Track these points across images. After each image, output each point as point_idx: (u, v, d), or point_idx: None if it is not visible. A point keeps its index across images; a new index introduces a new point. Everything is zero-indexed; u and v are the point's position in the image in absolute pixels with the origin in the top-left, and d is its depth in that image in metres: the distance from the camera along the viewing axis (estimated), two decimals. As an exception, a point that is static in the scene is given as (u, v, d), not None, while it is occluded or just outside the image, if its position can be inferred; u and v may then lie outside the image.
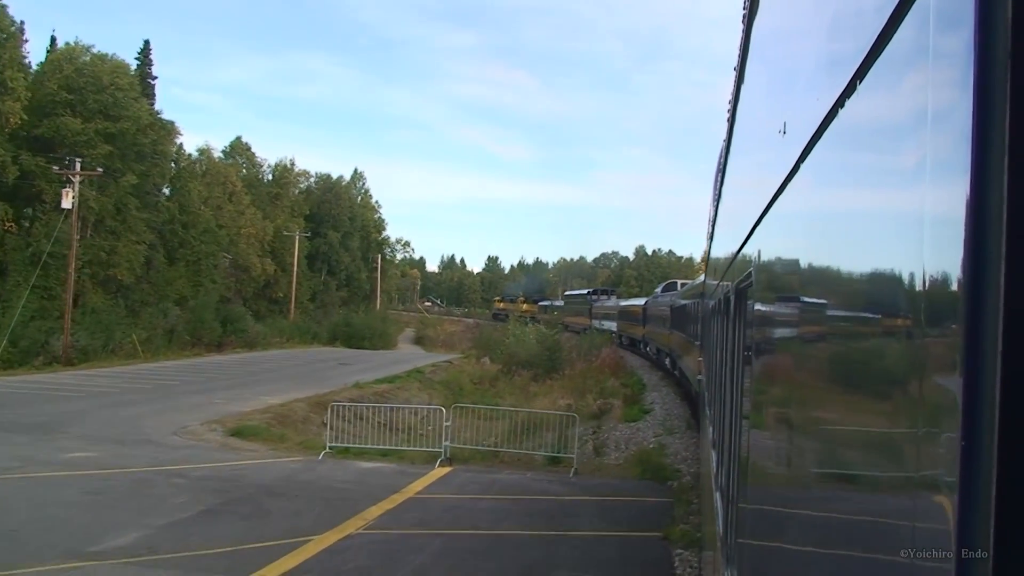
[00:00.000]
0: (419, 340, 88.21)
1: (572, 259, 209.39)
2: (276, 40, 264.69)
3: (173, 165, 65.07)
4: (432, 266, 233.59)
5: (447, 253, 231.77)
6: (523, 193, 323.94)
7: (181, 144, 66.83)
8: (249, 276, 68.37)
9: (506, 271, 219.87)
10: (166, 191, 62.34)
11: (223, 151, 78.04)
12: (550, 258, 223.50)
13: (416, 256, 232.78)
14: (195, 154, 69.25)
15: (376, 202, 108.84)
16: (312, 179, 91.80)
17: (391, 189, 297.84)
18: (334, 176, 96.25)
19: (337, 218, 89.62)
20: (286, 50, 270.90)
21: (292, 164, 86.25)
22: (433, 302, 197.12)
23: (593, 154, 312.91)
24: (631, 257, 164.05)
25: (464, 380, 44.93)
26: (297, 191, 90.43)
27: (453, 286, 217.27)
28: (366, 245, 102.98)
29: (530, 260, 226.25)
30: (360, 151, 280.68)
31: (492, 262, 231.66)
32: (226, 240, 67.84)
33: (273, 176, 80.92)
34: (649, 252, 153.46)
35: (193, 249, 60.49)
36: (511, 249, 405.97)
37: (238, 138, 78.92)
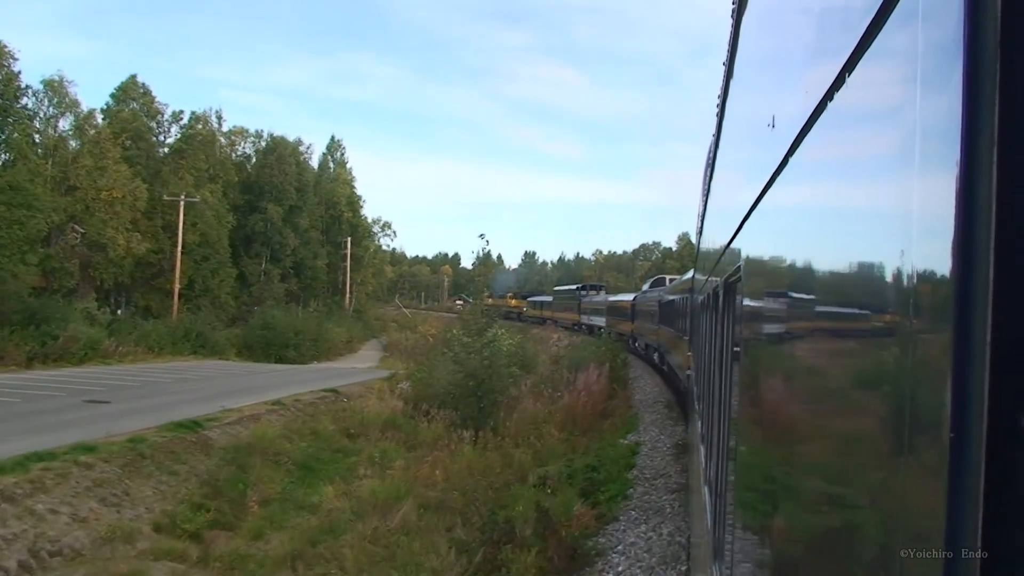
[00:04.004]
0: (389, 347, 67.14)
1: (613, 252, 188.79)
2: (327, 41, 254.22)
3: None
4: (467, 262, 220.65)
5: (483, 249, 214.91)
6: (568, 190, 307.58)
7: (19, 74, 46.92)
8: (106, 257, 47.72)
9: (548, 267, 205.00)
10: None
11: (111, 95, 58.02)
12: (590, 253, 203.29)
13: (450, 252, 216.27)
14: (40, 88, 49.04)
15: (351, 172, 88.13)
16: (251, 139, 71.45)
17: (437, 187, 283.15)
18: (295, 141, 75.92)
19: (281, 189, 68.80)
20: (337, 51, 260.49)
21: (219, 118, 65.92)
22: (464, 300, 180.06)
23: (642, 151, 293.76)
24: (674, 248, 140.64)
25: (295, 440, 23.34)
26: (234, 154, 70.29)
27: (487, 283, 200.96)
28: (337, 227, 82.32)
29: (571, 255, 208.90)
30: (407, 149, 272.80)
31: (529, 257, 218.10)
32: (79, 207, 47.58)
33: (180, 128, 60.29)
34: (694, 240, 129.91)
35: (-13, 214, 40.20)
36: (553, 245, 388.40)
37: (132, 77, 58.60)
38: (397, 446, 25.24)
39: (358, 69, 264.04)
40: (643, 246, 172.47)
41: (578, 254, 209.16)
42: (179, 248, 50.92)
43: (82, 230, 47.75)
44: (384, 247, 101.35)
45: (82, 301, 46.20)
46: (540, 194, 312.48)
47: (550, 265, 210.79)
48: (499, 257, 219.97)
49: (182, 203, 50.67)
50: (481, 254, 29.22)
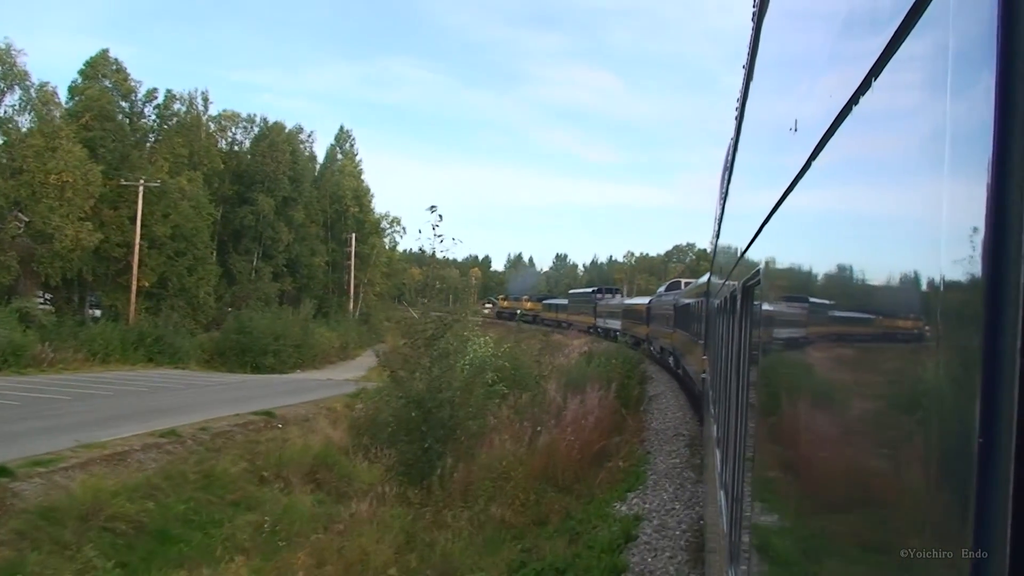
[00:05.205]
0: (385, 355, 60.53)
1: (645, 254, 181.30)
2: (363, 46, 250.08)
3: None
4: (498, 265, 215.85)
5: (515, 252, 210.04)
6: (603, 193, 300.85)
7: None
8: (51, 250, 41.69)
9: (579, 270, 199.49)
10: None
11: (79, 71, 52.19)
12: (623, 256, 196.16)
13: (480, 255, 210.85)
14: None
15: (360, 163, 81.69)
16: (243, 124, 65.41)
17: (471, 191, 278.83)
18: (294, 128, 69.78)
19: (273, 178, 62.59)
20: (373, 55, 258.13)
21: (206, 100, 59.86)
22: (493, 303, 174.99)
23: (678, 155, 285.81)
24: (708, 249, 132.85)
25: (166, 491, 16.68)
26: (224, 141, 64.33)
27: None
28: (342, 223, 76.00)
29: (603, 258, 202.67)
30: (440, 153, 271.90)
31: (560, 260, 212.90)
32: (24, 192, 41.69)
33: (155, 108, 54.22)
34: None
35: None
36: (586, 248, 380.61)
37: (103, 52, 52.64)
38: (322, 496, 18.62)
39: (393, 73, 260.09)
40: (676, 248, 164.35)
41: (610, 257, 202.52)
42: (137, 239, 44.76)
43: (26, 218, 41.83)
44: (398, 245, 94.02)
45: (22, 299, 40.35)
46: (574, 197, 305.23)
47: (581, 268, 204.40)
48: (530, 260, 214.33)
49: (141, 189, 44.45)
50: (433, 230, 21.71)
